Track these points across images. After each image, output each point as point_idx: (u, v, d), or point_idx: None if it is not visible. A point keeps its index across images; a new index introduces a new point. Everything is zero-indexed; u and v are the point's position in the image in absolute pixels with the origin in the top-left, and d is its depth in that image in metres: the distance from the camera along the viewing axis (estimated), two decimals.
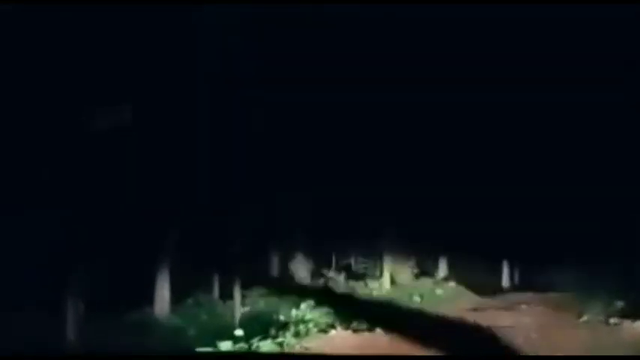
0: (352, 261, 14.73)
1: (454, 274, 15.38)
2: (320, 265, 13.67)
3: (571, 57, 9.82)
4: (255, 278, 11.69)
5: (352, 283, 12.70)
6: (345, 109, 10.45)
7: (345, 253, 14.76)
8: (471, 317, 9.42)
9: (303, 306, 8.55)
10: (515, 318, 9.38)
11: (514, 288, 16.66)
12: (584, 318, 9.27)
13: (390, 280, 13.16)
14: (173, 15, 7.61)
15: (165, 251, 9.69)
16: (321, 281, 12.38)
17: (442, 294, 12.60)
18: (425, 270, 14.91)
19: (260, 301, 10.57)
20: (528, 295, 13.48)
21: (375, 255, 14.06)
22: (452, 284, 14.41)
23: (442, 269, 15.58)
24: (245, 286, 10.15)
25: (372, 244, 13.99)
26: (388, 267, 13.26)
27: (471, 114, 11.38)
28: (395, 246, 13.92)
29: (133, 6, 6.99)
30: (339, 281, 12.55)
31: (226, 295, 10.12)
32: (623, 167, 11.59)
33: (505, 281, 17.61)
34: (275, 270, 12.99)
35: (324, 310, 8.55)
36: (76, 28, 7.05)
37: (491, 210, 13.33)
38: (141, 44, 7.56)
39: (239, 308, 9.52)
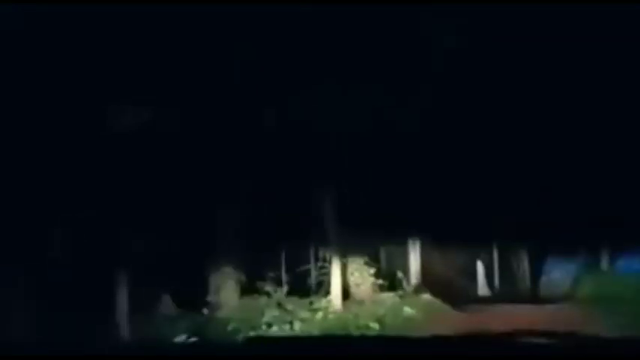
0: (311, 267, 11.58)
1: (429, 282, 12.52)
2: (269, 273, 10.57)
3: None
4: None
5: (293, 300, 9.38)
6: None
7: (299, 257, 11.80)
8: None
9: None
10: None
11: (501, 297, 14.16)
12: None
13: (344, 295, 9.94)
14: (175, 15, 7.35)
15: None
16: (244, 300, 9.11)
17: (411, 313, 9.43)
18: (392, 276, 11.84)
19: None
20: (525, 309, 10.81)
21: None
22: (425, 297, 11.38)
23: (413, 276, 12.59)
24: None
25: (325, 245, 10.93)
26: (341, 278, 10.03)
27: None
28: (352, 249, 10.81)
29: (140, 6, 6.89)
30: (273, 298, 9.25)
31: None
32: (623, 160, 10.10)
33: (483, 287, 15.20)
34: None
35: None
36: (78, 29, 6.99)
37: (473, 200, 11.04)
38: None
39: None
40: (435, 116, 10.23)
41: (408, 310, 9.60)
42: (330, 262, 10.28)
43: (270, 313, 8.30)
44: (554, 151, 10.69)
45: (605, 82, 9.25)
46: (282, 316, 8.25)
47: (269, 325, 7.83)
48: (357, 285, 10.79)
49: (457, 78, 9.57)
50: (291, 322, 7.95)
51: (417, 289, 11.61)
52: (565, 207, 11.44)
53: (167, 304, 9.40)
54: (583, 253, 13.34)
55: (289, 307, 8.87)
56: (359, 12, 8.39)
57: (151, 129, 8.56)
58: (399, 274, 11.98)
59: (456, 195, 11.27)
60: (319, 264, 11.13)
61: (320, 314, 8.47)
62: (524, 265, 16.12)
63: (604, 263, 12.98)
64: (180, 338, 8.17)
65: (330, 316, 8.51)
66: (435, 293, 11.73)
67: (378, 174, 10.27)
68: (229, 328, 8.11)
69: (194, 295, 9.61)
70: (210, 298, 9.43)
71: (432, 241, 12.40)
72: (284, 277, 11.11)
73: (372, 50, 8.87)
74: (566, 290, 13.14)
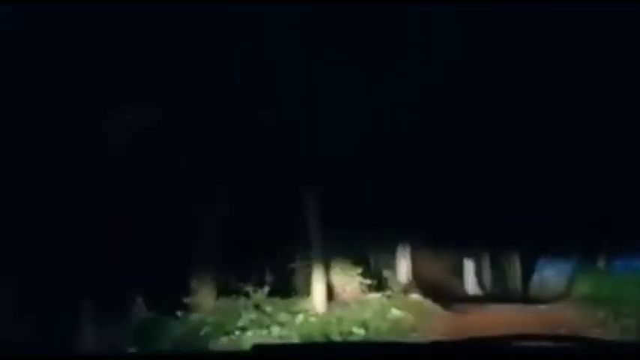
0: (297, 266, 10.95)
1: (418, 281, 11.98)
2: (250, 272, 9.94)
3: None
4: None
5: (274, 301, 8.76)
6: None
7: (285, 256, 11.17)
8: None
9: None
10: None
11: (493, 297, 13.71)
12: None
13: (328, 296, 9.36)
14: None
15: None
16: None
17: (399, 315, 8.85)
18: (380, 276, 11.25)
19: None
20: (518, 309, 10.42)
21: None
22: (414, 297, 10.83)
23: (402, 275, 12.04)
24: None
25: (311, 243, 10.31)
26: (325, 278, 9.45)
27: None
28: (338, 247, 10.23)
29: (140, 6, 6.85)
30: (252, 300, 8.63)
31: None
32: (619, 159, 9.73)
33: (473, 286, 14.74)
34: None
35: None
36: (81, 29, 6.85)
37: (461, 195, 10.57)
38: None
39: None
40: (425, 117, 9.91)
41: (395, 312, 9.01)
42: (314, 261, 9.68)
43: (247, 316, 7.66)
44: (548, 150, 10.30)
45: (599, 83, 8.94)
46: (259, 320, 7.62)
47: (243, 330, 7.20)
48: (343, 285, 10.22)
49: (449, 80, 9.12)
50: (268, 327, 7.32)
51: (406, 289, 11.08)
52: (558, 206, 11.07)
53: (139, 306, 8.80)
54: (577, 253, 12.88)
55: (268, 309, 8.25)
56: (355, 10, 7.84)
57: (129, 129, 8.13)
58: (387, 274, 11.43)
59: (446, 194, 10.79)
60: (306, 262, 10.55)
61: (300, 317, 7.83)
62: (515, 264, 15.63)
63: (599, 263, 12.50)
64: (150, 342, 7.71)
65: (312, 319, 7.87)
66: (424, 293, 11.21)
67: (368, 173, 9.69)
68: (202, 332, 7.51)
69: (168, 296, 9.03)
70: (185, 299, 8.83)
71: (422, 239, 11.87)
72: (268, 276, 10.55)
73: (360, 50, 8.24)
74: (561, 290, 12.66)
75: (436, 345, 2.20)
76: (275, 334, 7.04)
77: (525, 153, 10.59)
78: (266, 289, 9.17)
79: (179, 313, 8.40)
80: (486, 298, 13.84)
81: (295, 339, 6.89)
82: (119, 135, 8.07)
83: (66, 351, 5.99)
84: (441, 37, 8.54)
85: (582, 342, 2.27)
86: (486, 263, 15.67)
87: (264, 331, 7.13)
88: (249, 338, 6.86)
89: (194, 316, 8.34)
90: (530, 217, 11.63)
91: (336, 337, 7.08)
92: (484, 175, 10.81)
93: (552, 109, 10.18)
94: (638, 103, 9.41)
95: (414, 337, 7.87)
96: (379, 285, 10.65)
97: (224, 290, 9.26)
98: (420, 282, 11.96)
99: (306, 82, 8.84)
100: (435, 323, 8.75)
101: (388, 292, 10.33)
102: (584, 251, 12.56)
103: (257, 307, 8.23)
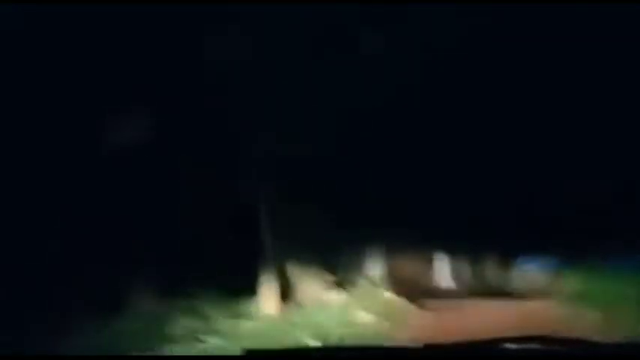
0: (259, 261, 9.72)
1: (389, 277, 10.86)
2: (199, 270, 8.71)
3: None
4: None
5: (220, 304, 7.47)
6: None
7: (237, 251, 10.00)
8: None
9: None
10: None
11: (471, 292, 12.81)
12: None
13: (284, 295, 8.13)
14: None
15: None
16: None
17: (365, 320, 7.65)
18: (346, 271, 10.06)
19: None
20: (498, 305, 9.67)
21: None
22: (385, 295, 9.68)
23: (372, 269, 10.90)
24: None
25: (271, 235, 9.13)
26: (280, 273, 8.23)
27: None
28: (297, 242, 9.03)
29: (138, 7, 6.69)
30: (194, 302, 7.34)
31: None
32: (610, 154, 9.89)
33: (449, 281, 13.81)
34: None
35: None
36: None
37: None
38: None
39: None
40: (399, 112, 9.24)
41: (362, 315, 7.79)
42: (268, 258, 8.43)
43: (181, 324, 6.34)
44: (534, 141, 10.24)
45: (595, 79, 8.55)
46: (194, 328, 6.30)
47: (171, 341, 5.85)
48: (302, 283, 8.97)
49: (424, 77, 8.64)
50: (201, 338, 5.98)
51: (376, 287, 9.91)
52: (543, 198, 10.91)
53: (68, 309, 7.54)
54: (561, 247, 12.03)
55: (210, 313, 6.96)
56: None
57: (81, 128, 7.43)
58: (355, 270, 10.25)
59: (421, 184, 10.38)
60: (261, 259, 9.28)
61: (247, 325, 6.52)
62: (495, 257, 14.81)
63: (586, 258, 11.60)
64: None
65: (259, 326, 6.57)
66: (396, 291, 10.09)
67: (335, 165, 9.23)
68: (125, 342, 6.20)
69: (95, 297, 7.76)
70: (121, 303, 7.55)
71: (395, 232, 10.89)
72: (216, 275, 9.31)
73: (327, 47, 8.00)
74: (545, 285, 11.75)
75: (427, 349, 2.23)
76: (211, 347, 5.72)
77: (510, 143, 9.94)
78: (213, 289, 7.92)
79: (105, 318, 7.11)
80: (465, 294, 12.90)
81: (232, 351, 5.60)
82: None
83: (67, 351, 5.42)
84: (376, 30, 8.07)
85: (575, 344, 2.23)
86: (464, 256, 14.71)
87: (198, 344, 5.80)
88: (177, 353, 5.55)
89: (127, 323, 7.05)
90: (511, 208, 11.09)
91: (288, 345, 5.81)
92: (461, 164, 10.36)
93: (537, 104, 9.68)
94: (632, 101, 8.87)
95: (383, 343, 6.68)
96: (345, 283, 9.44)
97: (165, 290, 8.02)
98: (392, 278, 10.83)
99: (268, 79, 8.06)
100: (407, 328, 7.55)
101: (355, 291, 9.12)
102: (569, 245, 11.78)
103: (196, 311, 6.93)
